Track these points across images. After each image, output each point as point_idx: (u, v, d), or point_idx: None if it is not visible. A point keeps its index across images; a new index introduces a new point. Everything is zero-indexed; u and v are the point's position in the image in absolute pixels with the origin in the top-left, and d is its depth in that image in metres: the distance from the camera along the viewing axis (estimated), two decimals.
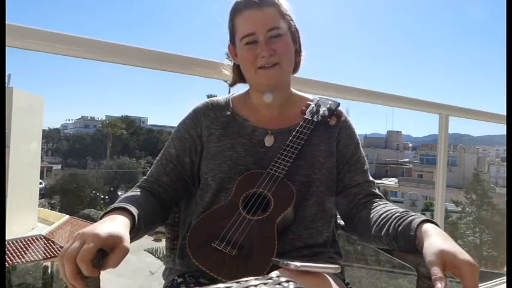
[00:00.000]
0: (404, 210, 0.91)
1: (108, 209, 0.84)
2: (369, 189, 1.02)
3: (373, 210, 0.96)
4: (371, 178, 1.05)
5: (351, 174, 1.03)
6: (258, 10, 0.96)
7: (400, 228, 0.86)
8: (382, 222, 0.91)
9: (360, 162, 1.05)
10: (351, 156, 1.04)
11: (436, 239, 0.77)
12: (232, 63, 1.10)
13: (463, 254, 0.72)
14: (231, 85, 1.13)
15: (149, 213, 0.91)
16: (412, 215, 0.87)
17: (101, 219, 0.80)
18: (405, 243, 0.84)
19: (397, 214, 0.90)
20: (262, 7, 0.96)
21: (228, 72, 1.14)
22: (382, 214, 0.93)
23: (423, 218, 0.84)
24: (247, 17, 0.97)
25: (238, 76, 1.08)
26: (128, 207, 0.83)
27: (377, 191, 1.04)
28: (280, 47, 0.97)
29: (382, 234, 0.89)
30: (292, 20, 1.01)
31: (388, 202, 0.99)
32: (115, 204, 0.85)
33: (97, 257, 0.69)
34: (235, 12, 1.00)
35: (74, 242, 0.70)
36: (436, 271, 0.70)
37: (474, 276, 0.70)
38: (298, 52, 1.05)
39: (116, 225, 0.76)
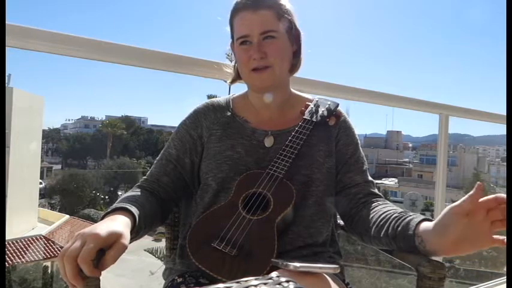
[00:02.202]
0: (402, 210, 0.91)
1: (109, 210, 0.84)
2: (368, 189, 1.02)
3: (373, 210, 0.96)
4: (370, 178, 1.05)
5: (350, 174, 1.03)
6: (253, 12, 0.97)
7: (399, 228, 0.85)
8: (381, 223, 0.91)
9: (359, 162, 1.05)
10: (350, 156, 1.04)
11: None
12: (233, 63, 1.11)
13: None
14: (231, 82, 1.14)
15: (149, 213, 0.91)
16: (410, 215, 0.87)
17: (101, 219, 0.81)
18: (405, 243, 0.84)
19: (395, 215, 0.89)
20: (258, 9, 0.97)
21: (230, 70, 1.14)
22: (381, 215, 0.92)
23: (421, 217, 0.84)
24: (242, 19, 0.99)
25: (238, 74, 1.09)
26: (129, 207, 0.84)
27: (376, 190, 1.04)
28: (272, 50, 0.97)
29: (382, 235, 0.89)
30: (292, 22, 1.01)
31: (387, 202, 0.99)
32: (115, 205, 0.85)
33: (97, 257, 0.69)
34: (233, 12, 1.01)
35: (75, 242, 0.70)
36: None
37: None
38: (297, 53, 1.06)
39: (117, 224, 0.76)
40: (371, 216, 0.95)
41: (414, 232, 0.82)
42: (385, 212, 0.93)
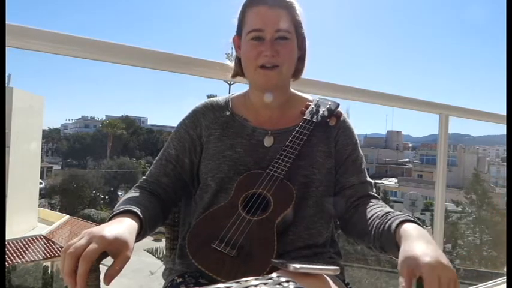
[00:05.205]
0: (385, 212, 0.89)
1: (117, 211, 0.83)
2: (362, 190, 1.01)
3: (362, 215, 0.94)
4: (368, 179, 1.04)
5: (346, 175, 1.02)
6: (271, 9, 0.96)
7: (382, 238, 0.85)
8: (368, 229, 0.90)
9: (357, 163, 1.04)
10: (348, 157, 1.04)
11: (406, 243, 0.74)
12: (233, 63, 1.10)
13: (426, 256, 0.68)
14: (233, 76, 1.11)
15: (153, 215, 0.91)
16: (389, 218, 0.85)
17: (109, 220, 0.81)
18: (393, 254, 0.82)
19: (377, 221, 0.88)
20: (275, 7, 0.96)
21: (231, 65, 1.12)
22: (368, 219, 0.92)
23: (401, 219, 0.82)
24: (258, 13, 0.97)
25: (240, 69, 1.06)
26: (136, 211, 0.84)
27: (372, 191, 1.03)
28: (284, 50, 0.96)
29: (371, 240, 0.89)
30: (301, 27, 1.01)
31: (378, 203, 0.97)
32: (123, 207, 0.85)
33: (98, 259, 0.69)
34: (248, 5, 0.99)
35: (81, 239, 0.70)
36: (402, 283, 0.68)
37: (434, 279, 0.65)
38: (301, 59, 1.05)
39: (124, 229, 0.76)
40: (361, 220, 0.94)
41: (395, 239, 0.80)
42: (371, 216, 0.91)
